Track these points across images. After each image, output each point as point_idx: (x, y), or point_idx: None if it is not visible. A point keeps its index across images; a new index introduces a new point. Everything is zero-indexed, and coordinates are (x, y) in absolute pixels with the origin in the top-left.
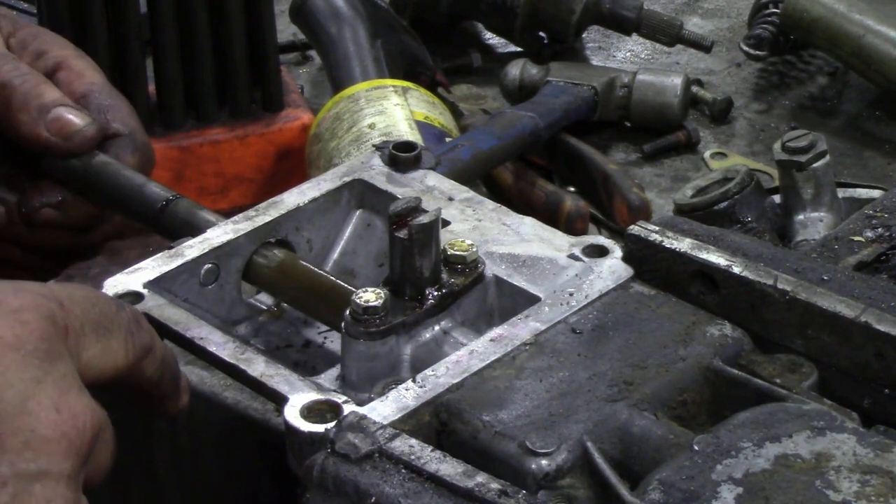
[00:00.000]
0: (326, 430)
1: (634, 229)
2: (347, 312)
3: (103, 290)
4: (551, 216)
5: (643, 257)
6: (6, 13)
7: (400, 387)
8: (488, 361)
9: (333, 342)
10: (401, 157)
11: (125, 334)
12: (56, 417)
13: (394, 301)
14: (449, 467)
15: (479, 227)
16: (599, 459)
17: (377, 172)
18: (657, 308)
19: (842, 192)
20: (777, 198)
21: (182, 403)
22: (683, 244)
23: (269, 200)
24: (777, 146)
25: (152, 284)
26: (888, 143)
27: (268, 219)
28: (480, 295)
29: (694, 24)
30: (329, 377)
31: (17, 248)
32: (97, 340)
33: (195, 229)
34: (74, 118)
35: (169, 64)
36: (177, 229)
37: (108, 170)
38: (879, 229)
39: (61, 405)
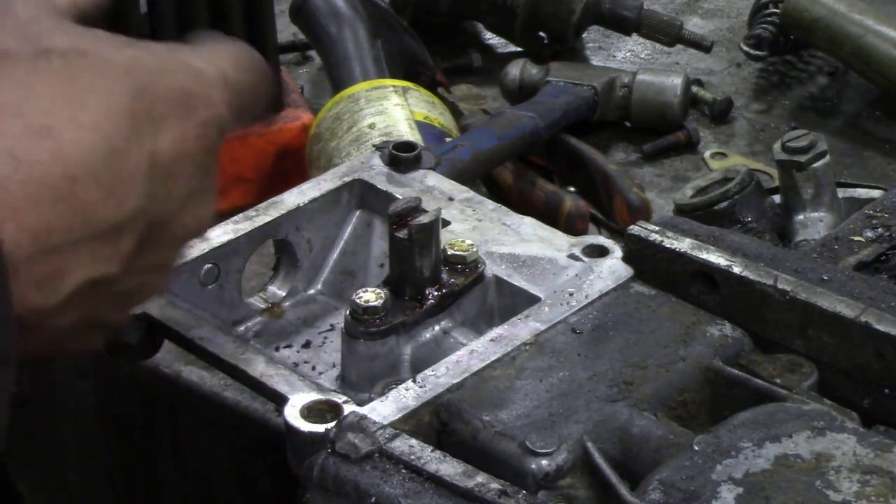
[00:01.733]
0: (326, 430)
1: (634, 229)
2: (347, 312)
3: None
4: (551, 216)
5: (643, 257)
6: None
7: (400, 387)
8: (488, 361)
9: (333, 342)
10: (401, 157)
11: None
12: None
13: (394, 301)
14: (449, 467)
15: (479, 227)
16: (599, 459)
17: (377, 172)
18: (657, 308)
19: (842, 192)
20: (777, 198)
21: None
22: (683, 244)
23: (269, 200)
24: (777, 146)
25: None
26: (888, 143)
27: (268, 219)
28: (480, 295)
29: (694, 24)
30: (329, 377)
31: None
32: None
33: None
34: None
35: None
36: None
37: None
38: (879, 229)
39: None
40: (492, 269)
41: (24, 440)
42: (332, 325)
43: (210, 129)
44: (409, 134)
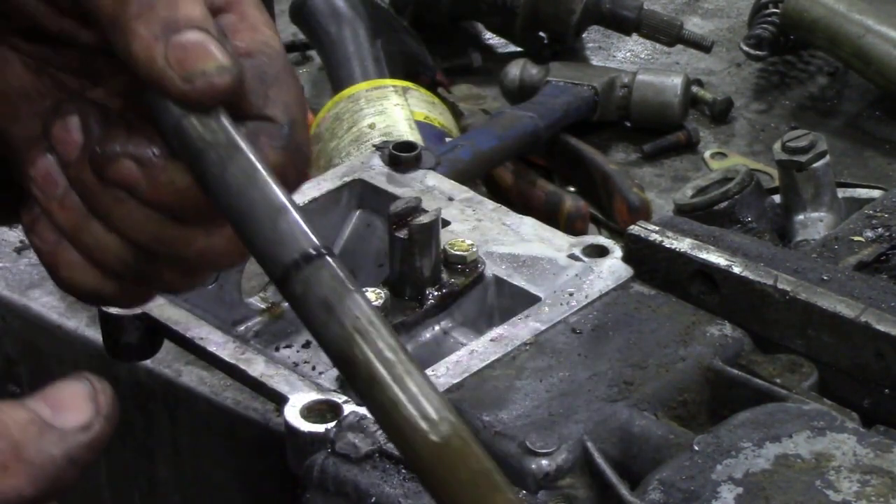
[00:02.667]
0: (326, 430)
1: (634, 229)
2: None
3: None
4: (551, 216)
5: (643, 257)
6: None
7: None
8: (488, 361)
9: None
10: (401, 157)
11: None
12: None
13: (394, 301)
14: None
15: (479, 227)
16: (599, 459)
17: (377, 172)
18: (657, 308)
19: (842, 192)
20: (777, 198)
21: None
22: (683, 244)
23: None
24: (777, 146)
25: None
26: (888, 143)
27: None
28: (480, 295)
29: (694, 24)
30: (329, 377)
31: (84, 224)
32: None
33: (332, 313)
34: (210, 52)
35: None
36: (305, 306)
37: (233, 153)
38: (879, 229)
39: None
40: (492, 269)
41: None
42: None
43: None
44: (409, 134)
